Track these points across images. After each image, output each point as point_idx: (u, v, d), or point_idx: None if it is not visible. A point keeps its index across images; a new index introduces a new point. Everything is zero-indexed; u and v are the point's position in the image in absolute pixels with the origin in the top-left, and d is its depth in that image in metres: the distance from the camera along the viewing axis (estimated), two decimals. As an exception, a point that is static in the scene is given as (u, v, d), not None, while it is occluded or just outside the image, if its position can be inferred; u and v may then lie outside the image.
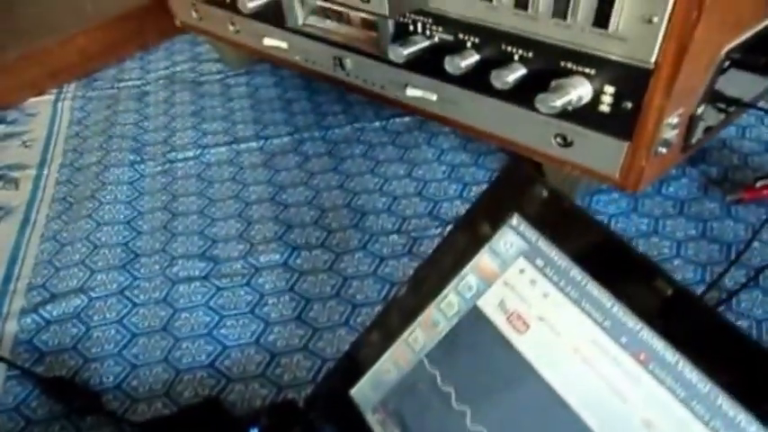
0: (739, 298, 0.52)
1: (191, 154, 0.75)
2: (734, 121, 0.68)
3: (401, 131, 0.76)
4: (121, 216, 0.65)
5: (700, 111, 0.50)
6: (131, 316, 0.53)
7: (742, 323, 0.49)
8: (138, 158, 0.74)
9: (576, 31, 0.44)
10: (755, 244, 0.56)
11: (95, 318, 0.53)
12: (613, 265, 0.26)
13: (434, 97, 0.61)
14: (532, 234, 0.29)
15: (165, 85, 0.92)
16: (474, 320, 0.31)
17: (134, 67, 0.98)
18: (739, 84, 0.53)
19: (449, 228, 0.61)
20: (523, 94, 0.50)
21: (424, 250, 0.59)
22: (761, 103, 0.64)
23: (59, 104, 0.88)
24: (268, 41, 0.75)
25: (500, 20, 0.48)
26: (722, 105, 0.55)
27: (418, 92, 0.62)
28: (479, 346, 0.31)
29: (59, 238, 0.62)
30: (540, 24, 0.46)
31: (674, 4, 0.39)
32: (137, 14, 0.99)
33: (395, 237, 0.60)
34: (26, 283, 0.57)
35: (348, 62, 0.67)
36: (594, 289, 0.27)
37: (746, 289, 0.52)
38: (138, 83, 0.93)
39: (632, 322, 0.25)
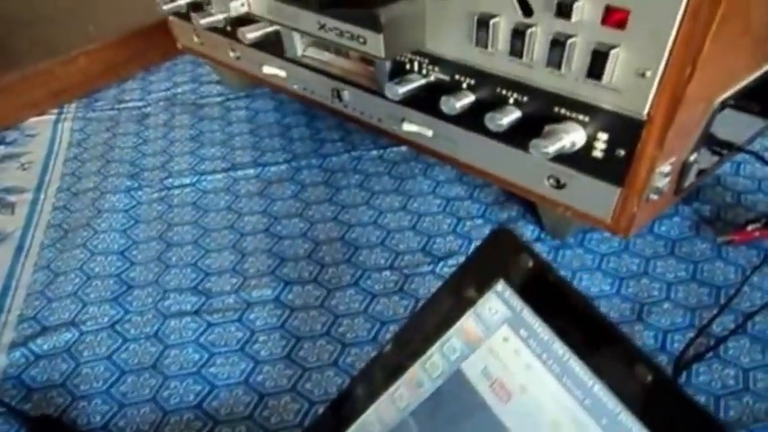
0: (727, 345, 0.52)
1: (187, 180, 0.75)
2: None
3: (398, 161, 0.76)
4: (116, 245, 0.65)
5: (693, 158, 0.50)
6: (121, 352, 0.53)
7: (729, 372, 0.49)
8: (136, 184, 0.74)
9: (569, 81, 0.44)
10: (744, 288, 0.55)
11: (85, 353, 0.53)
12: (596, 344, 0.26)
13: (430, 133, 0.61)
14: (517, 303, 0.29)
15: (166, 107, 0.92)
16: (457, 384, 0.31)
17: (135, 87, 0.98)
18: (734, 124, 0.53)
19: (440, 264, 0.61)
20: (518, 136, 0.51)
21: (415, 288, 0.59)
22: (757, 140, 0.64)
23: (59, 125, 0.88)
24: (267, 70, 0.75)
25: (495, 65, 0.48)
26: (716, 148, 0.55)
27: (414, 127, 0.62)
28: (462, 410, 0.31)
29: (53, 268, 0.62)
30: (535, 72, 0.46)
31: (668, 59, 0.39)
32: (139, 35, 1.00)
33: (387, 273, 0.60)
34: (17, 314, 0.57)
35: (346, 94, 0.67)
36: (576, 365, 0.26)
37: (735, 335, 0.52)
38: (139, 104, 0.93)
39: (612, 404, 0.25)
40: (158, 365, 0.52)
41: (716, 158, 0.58)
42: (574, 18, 0.40)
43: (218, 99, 0.94)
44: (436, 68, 0.54)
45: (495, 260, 0.30)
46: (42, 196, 0.73)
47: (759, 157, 0.56)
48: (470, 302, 0.31)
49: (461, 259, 0.61)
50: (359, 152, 0.79)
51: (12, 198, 0.73)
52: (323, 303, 0.58)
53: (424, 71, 0.56)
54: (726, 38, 0.38)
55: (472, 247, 0.62)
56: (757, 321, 0.54)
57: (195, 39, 0.83)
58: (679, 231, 0.64)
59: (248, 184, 0.75)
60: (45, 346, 0.54)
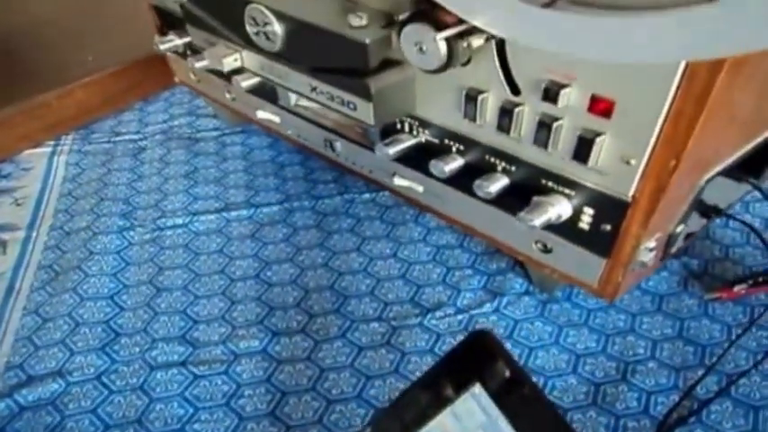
0: (710, 409, 0.52)
1: (180, 221, 0.75)
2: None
3: (390, 205, 0.77)
4: (105, 290, 0.65)
5: (679, 229, 0.51)
6: (107, 405, 0.53)
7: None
8: (128, 224, 0.75)
9: (556, 159, 0.45)
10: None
11: (71, 405, 0.53)
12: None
13: (421, 189, 0.62)
14: (493, 410, 0.29)
15: (161, 141, 0.92)
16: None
17: (132, 119, 0.99)
18: (724, 189, 0.53)
19: (428, 316, 0.61)
20: (506, 201, 0.51)
21: (402, 341, 0.59)
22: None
23: (55, 159, 0.89)
24: (261, 114, 0.76)
25: (483, 136, 0.49)
26: (705, 212, 0.56)
27: (405, 182, 0.62)
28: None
29: (42, 313, 0.62)
30: (522, 147, 0.47)
31: (652, 152, 0.39)
32: (138, 66, 1.00)
33: (375, 324, 0.61)
34: (4, 361, 0.57)
35: (338, 145, 0.67)
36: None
37: (718, 398, 0.52)
38: (135, 137, 0.94)
39: None
40: (143, 420, 0.52)
41: (704, 221, 0.59)
42: (560, 104, 0.41)
43: (215, 133, 0.94)
44: (426, 131, 0.55)
45: (473, 361, 0.30)
46: (35, 234, 0.74)
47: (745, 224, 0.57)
48: (448, 400, 0.31)
49: (449, 311, 0.62)
50: (351, 195, 0.79)
51: (5, 236, 0.74)
52: (310, 356, 0.58)
53: (415, 132, 0.56)
54: (712, 129, 0.38)
55: (461, 298, 0.63)
56: (741, 384, 0.54)
57: (192, 76, 0.84)
58: (667, 287, 0.64)
59: (241, 226, 0.75)
60: (30, 397, 0.54)
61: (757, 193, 0.74)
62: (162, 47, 0.77)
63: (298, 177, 0.83)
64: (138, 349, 0.58)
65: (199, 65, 0.69)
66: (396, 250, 0.70)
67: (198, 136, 0.93)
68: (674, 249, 0.54)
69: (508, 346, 0.58)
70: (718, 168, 0.48)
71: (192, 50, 0.73)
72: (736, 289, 0.60)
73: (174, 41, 0.77)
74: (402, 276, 0.67)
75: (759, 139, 0.51)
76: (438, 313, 0.62)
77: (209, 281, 0.66)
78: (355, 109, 0.50)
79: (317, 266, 0.68)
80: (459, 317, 0.61)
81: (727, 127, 0.42)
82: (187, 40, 0.73)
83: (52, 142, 0.93)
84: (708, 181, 0.47)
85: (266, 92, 0.69)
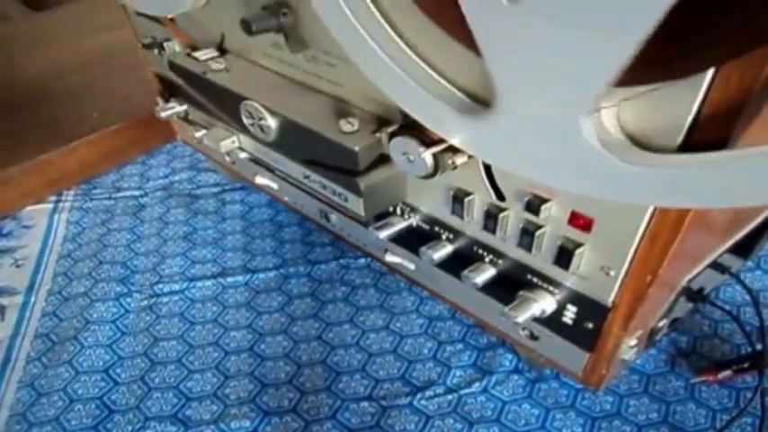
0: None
1: (177, 287, 0.76)
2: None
3: (384, 272, 0.78)
4: (101, 362, 0.66)
5: (661, 324, 0.51)
6: (97, 488, 0.54)
7: None
8: (126, 290, 0.76)
9: (539, 261, 0.46)
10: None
11: (61, 490, 0.54)
12: None
13: (412, 267, 0.63)
14: None
15: (162, 199, 0.94)
16: None
17: (134, 173, 1.01)
18: (709, 275, 0.54)
19: (418, 396, 0.61)
20: (493, 289, 0.52)
21: (391, 423, 0.59)
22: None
23: (56, 216, 0.90)
24: (260, 180, 0.77)
25: (471, 231, 0.50)
26: (690, 297, 0.56)
27: (397, 259, 0.63)
28: None
29: (37, 386, 0.63)
30: (508, 246, 0.48)
31: (629, 268, 0.40)
32: (141, 123, 1.02)
33: (365, 404, 0.61)
34: (-2, 439, 0.58)
35: (333, 217, 0.69)
36: None
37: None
38: (136, 193, 0.95)
39: None
40: (132, 507, 0.53)
41: (691, 304, 0.60)
42: (542, 216, 0.42)
43: (215, 189, 0.95)
44: (417, 216, 0.56)
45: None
46: (33, 299, 0.75)
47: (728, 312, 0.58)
48: None
49: (439, 390, 0.63)
50: (347, 260, 0.80)
51: (3, 301, 0.75)
52: (300, 438, 0.58)
53: (406, 215, 0.57)
54: (689, 244, 0.39)
55: (451, 376, 0.63)
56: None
57: (194, 137, 0.85)
58: (654, 366, 0.65)
59: (237, 293, 0.76)
60: (23, 480, 0.54)
61: (748, 264, 0.75)
62: (163, 114, 0.79)
63: (295, 240, 0.84)
64: (130, 428, 0.59)
65: (199, 135, 0.71)
66: (389, 321, 0.71)
67: (198, 192, 0.95)
68: (658, 337, 0.55)
69: (495, 430, 0.59)
70: (699, 269, 0.48)
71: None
72: (720, 375, 0.60)
73: (176, 108, 0.79)
74: (394, 351, 0.67)
75: (740, 235, 0.51)
76: (428, 392, 0.62)
77: (202, 353, 0.67)
78: (346, 200, 0.51)
79: (310, 339, 0.69)
80: (449, 397, 0.62)
81: (705, 236, 0.43)
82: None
83: (54, 198, 0.94)
84: (689, 281, 0.48)
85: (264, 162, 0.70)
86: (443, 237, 0.55)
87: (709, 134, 0.29)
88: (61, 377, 0.65)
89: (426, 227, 0.56)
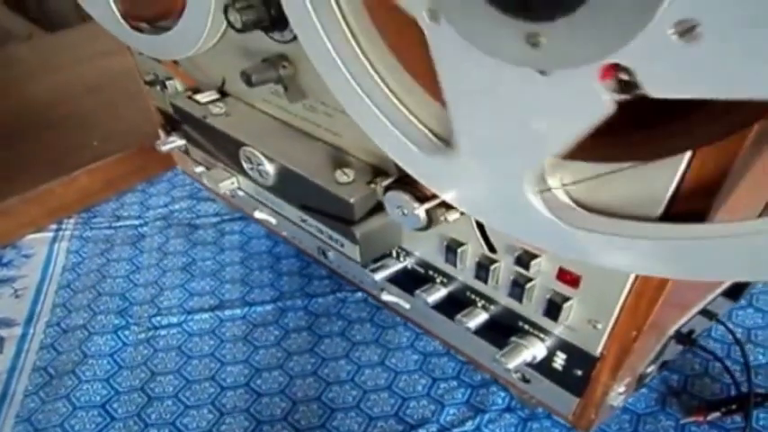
0: None
1: (175, 320, 0.77)
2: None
3: (381, 306, 0.79)
4: (98, 397, 0.67)
5: (650, 370, 0.52)
6: None
7: None
8: (123, 322, 0.77)
9: (530, 310, 0.47)
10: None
11: None
12: None
13: (407, 306, 0.64)
14: None
15: (161, 228, 0.95)
16: None
17: (134, 201, 1.02)
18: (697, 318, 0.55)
19: (413, 434, 0.62)
20: (486, 332, 0.53)
21: (386, 462, 0.60)
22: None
23: (56, 245, 0.91)
24: (259, 215, 0.78)
25: (464, 278, 0.51)
26: (680, 340, 0.57)
27: (393, 298, 0.64)
28: None
29: (34, 421, 0.64)
30: (499, 294, 0.49)
31: (615, 322, 0.41)
32: (142, 151, 1.03)
33: (359, 444, 0.62)
34: (-5, 477, 0.58)
35: (330, 254, 0.70)
36: None
37: None
38: (136, 222, 0.96)
39: None
40: None
41: (680, 347, 0.61)
42: (531, 270, 0.43)
43: (214, 220, 0.96)
44: (412, 260, 0.57)
45: None
46: (32, 331, 0.76)
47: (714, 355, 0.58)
48: None
49: (432, 429, 0.63)
50: (344, 293, 0.81)
51: (2, 333, 0.75)
52: (294, 477, 0.59)
53: (402, 258, 0.59)
54: (675, 300, 0.40)
55: (444, 414, 0.64)
56: None
57: (194, 171, 0.86)
58: (645, 405, 0.65)
59: (234, 327, 0.77)
60: None
61: (741, 302, 0.76)
62: (164, 147, 0.80)
63: (293, 272, 0.85)
64: (125, 466, 0.59)
65: (199, 170, 0.72)
66: (384, 357, 0.72)
67: (198, 222, 0.96)
68: (647, 380, 0.56)
69: (488, 472, 0.59)
70: (686, 319, 0.49)
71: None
72: (710, 417, 0.61)
73: (176, 142, 0.80)
74: (388, 387, 0.68)
75: (728, 284, 0.53)
76: (421, 431, 0.63)
77: (199, 389, 0.68)
78: (343, 246, 0.53)
79: (306, 375, 0.70)
80: (442, 436, 0.62)
81: (691, 290, 0.44)
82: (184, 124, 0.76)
83: (54, 226, 0.95)
84: (677, 330, 0.49)
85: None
86: (437, 280, 0.56)
87: (688, 207, 0.30)
88: (58, 412, 0.65)
89: (421, 270, 0.57)
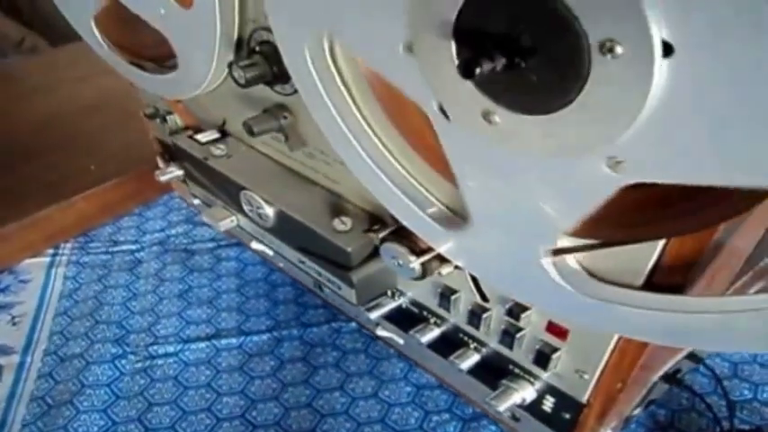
0: None
1: (171, 349, 0.78)
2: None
3: (375, 337, 0.80)
4: (95, 428, 0.68)
5: (636, 412, 0.54)
6: None
7: None
8: (121, 351, 0.78)
9: (521, 356, 0.49)
10: None
11: None
12: None
13: (402, 342, 0.65)
14: None
15: (158, 254, 0.96)
16: None
17: (131, 225, 1.03)
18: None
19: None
20: (478, 372, 0.54)
21: (377, 501, 0.61)
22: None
23: (53, 270, 0.92)
24: (256, 246, 0.79)
25: (457, 321, 0.53)
26: (667, 379, 0.59)
27: (387, 333, 0.66)
28: None
29: (32, 454, 0.65)
30: (491, 339, 0.50)
31: (601, 374, 0.43)
32: (138, 175, 1.04)
33: (353, 477, 0.63)
34: None
35: (326, 288, 0.71)
36: None
37: None
38: (133, 247, 0.97)
39: None
40: None
41: (666, 386, 0.62)
42: (522, 321, 0.44)
43: (210, 245, 0.98)
44: (406, 300, 0.59)
45: None
46: (29, 359, 0.77)
47: (697, 395, 0.60)
48: None
49: (424, 465, 0.65)
50: (339, 323, 0.82)
51: (1, 360, 0.76)
52: None
53: (396, 297, 0.60)
54: (657, 353, 0.42)
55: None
56: None
57: (192, 201, 0.88)
58: (632, 440, 0.67)
59: (230, 356, 0.78)
60: None
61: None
62: (163, 178, 0.82)
63: (288, 300, 0.87)
64: (122, 500, 0.60)
65: (197, 202, 0.73)
66: (377, 389, 0.73)
67: (194, 247, 0.97)
68: (635, 418, 0.58)
69: (479, 508, 0.61)
70: (671, 365, 0.51)
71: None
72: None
73: (175, 172, 0.82)
74: (381, 420, 0.70)
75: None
76: (413, 466, 0.64)
77: (195, 420, 0.69)
78: (340, 288, 0.54)
79: (301, 406, 0.71)
80: (434, 470, 0.64)
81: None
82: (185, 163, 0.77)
83: (51, 251, 0.96)
84: (661, 377, 0.51)
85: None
86: (431, 321, 0.57)
87: (667, 280, 0.32)
88: (56, 444, 0.66)
89: (415, 309, 0.58)
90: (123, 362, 0.77)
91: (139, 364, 0.76)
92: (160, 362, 0.77)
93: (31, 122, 1.20)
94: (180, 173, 0.83)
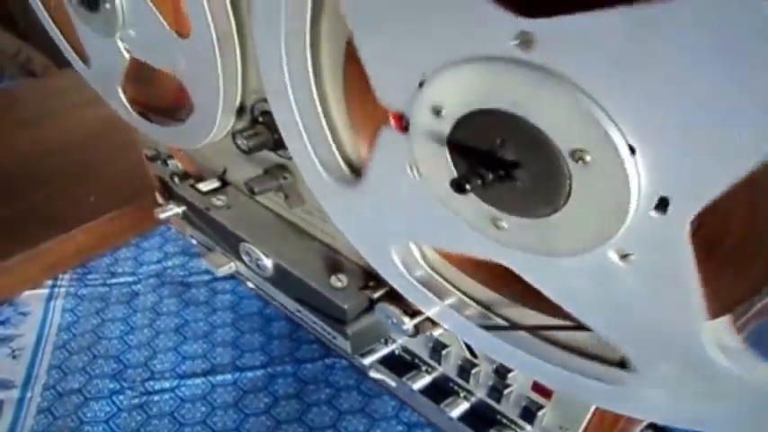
0: None
1: (167, 385, 0.80)
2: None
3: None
4: (94, 466, 0.69)
5: (621, 461, 0.56)
6: None
7: None
8: (118, 386, 0.79)
9: (509, 410, 0.51)
10: None
11: None
12: None
13: (394, 384, 0.67)
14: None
15: (155, 287, 0.98)
16: None
17: (128, 256, 1.05)
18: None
19: None
20: (469, 419, 0.57)
21: None
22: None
23: (52, 303, 0.94)
24: (252, 284, 0.82)
25: (447, 372, 0.55)
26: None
27: (380, 376, 0.68)
28: None
29: (32, 492, 0.66)
30: (480, 391, 0.53)
31: (585, 430, 0.45)
32: (136, 206, 1.06)
33: None
34: None
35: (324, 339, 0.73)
36: None
37: None
38: (130, 279, 0.99)
39: None
40: None
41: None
42: (509, 379, 0.47)
43: (206, 278, 1.00)
44: (399, 347, 0.61)
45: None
46: (29, 394, 0.78)
47: None
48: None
49: None
50: (332, 359, 0.84)
51: (1, 395, 0.78)
52: None
53: (389, 343, 0.62)
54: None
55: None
56: None
57: (192, 241, 0.90)
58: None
59: (225, 393, 0.80)
60: None
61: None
62: (162, 216, 0.84)
63: (283, 335, 0.89)
64: None
65: (195, 241, 0.75)
66: (369, 427, 0.75)
67: (190, 280, 0.99)
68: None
69: None
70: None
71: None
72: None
73: (174, 210, 0.84)
74: (373, 459, 0.72)
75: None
76: (404, 508, 0.66)
77: (191, 459, 0.71)
78: (335, 338, 0.56)
79: (293, 445, 0.73)
80: None
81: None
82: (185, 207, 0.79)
83: (50, 282, 0.97)
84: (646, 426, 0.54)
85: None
86: (423, 368, 0.60)
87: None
88: (55, 483, 0.68)
89: (407, 357, 0.61)
90: (121, 397, 0.78)
91: (136, 400, 0.78)
92: (156, 398, 0.79)
93: (29, 152, 1.22)
94: (179, 210, 0.85)
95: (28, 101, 1.41)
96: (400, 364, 0.61)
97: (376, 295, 0.49)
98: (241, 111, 0.52)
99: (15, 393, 0.79)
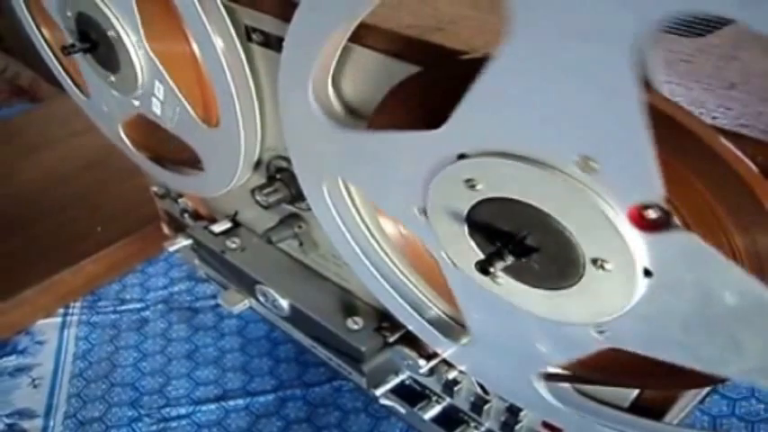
0: None
1: (183, 411, 0.83)
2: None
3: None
4: (116, 496, 0.72)
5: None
6: None
7: None
8: (136, 414, 0.83)
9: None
10: None
11: None
12: None
13: (404, 411, 0.71)
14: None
15: (163, 313, 1.01)
16: None
17: (135, 283, 1.07)
18: None
19: None
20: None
21: None
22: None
23: (65, 331, 0.97)
24: (260, 308, 0.85)
25: (458, 403, 0.59)
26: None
27: (390, 402, 0.72)
28: None
29: None
30: (492, 425, 0.57)
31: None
32: (142, 234, 1.09)
33: None
34: None
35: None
36: None
37: None
38: (139, 306, 1.02)
39: None
40: None
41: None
42: (520, 416, 0.51)
43: (212, 302, 1.02)
44: (410, 377, 0.65)
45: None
46: (51, 423, 0.81)
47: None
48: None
49: None
50: (339, 381, 0.88)
51: (25, 425, 0.81)
52: None
53: (401, 374, 0.66)
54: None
55: None
56: None
57: (199, 273, 0.93)
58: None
59: (238, 418, 0.83)
60: None
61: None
62: (172, 248, 0.87)
63: (290, 358, 0.92)
64: None
65: (202, 272, 0.78)
66: (377, 449, 0.79)
67: (197, 305, 1.02)
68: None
69: None
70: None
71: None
72: None
73: (182, 243, 0.87)
74: (380, 483, 0.75)
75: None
76: None
77: (210, 484, 0.74)
78: (351, 374, 0.60)
79: (304, 471, 0.76)
80: None
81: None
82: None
83: (62, 310, 1.00)
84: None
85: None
86: (433, 399, 0.63)
87: (650, 405, 0.39)
88: None
89: (418, 388, 0.64)
90: (140, 425, 0.82)
91: (155, 427, 0.81)
92: (174, 424, 0.82)
93: (32, 183, 1.23)
94: (188, 243, 0.88)
95: (28, 130, 1.42)
96: (411, 394, 0.64)
97: (392, 339, 0.53)
98: (257, 164, 0.56)
99: (39, 423, 0.82)
